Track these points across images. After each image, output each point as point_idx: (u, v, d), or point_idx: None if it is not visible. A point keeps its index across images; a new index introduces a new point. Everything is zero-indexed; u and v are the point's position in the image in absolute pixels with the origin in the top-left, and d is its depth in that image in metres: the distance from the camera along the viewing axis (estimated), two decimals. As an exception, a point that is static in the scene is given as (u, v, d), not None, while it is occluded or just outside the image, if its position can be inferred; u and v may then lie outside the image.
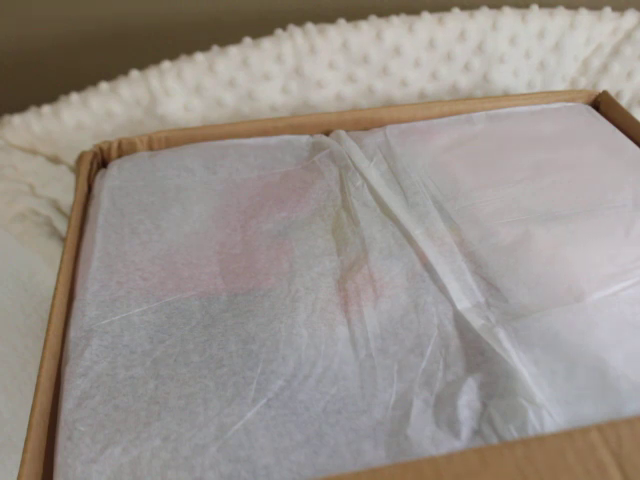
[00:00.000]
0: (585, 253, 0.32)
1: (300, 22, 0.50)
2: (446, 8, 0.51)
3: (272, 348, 0.29)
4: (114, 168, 0.42)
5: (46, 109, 0.49)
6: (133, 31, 0.57)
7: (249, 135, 0.45)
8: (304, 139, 0.44)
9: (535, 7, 0.51)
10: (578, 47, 0.52)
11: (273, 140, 0.44)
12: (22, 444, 0.25)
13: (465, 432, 0.25)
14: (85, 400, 0.27)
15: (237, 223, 0.37)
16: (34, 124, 0.49)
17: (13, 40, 0.57)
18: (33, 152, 0.51)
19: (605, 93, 0.47)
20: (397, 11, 0.51)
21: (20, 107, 0.50)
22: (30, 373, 0.39)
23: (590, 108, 0.46)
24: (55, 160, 0.52)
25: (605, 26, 0.51)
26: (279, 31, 0.50)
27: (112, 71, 0.51)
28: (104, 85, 0.49)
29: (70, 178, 0.51)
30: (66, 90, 0.50)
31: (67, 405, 0.27)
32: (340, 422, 0.26)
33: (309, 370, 0.28)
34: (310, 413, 0.26)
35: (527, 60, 0.53)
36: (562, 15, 0.51)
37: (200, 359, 0.29)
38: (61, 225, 0.49)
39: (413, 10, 0.51)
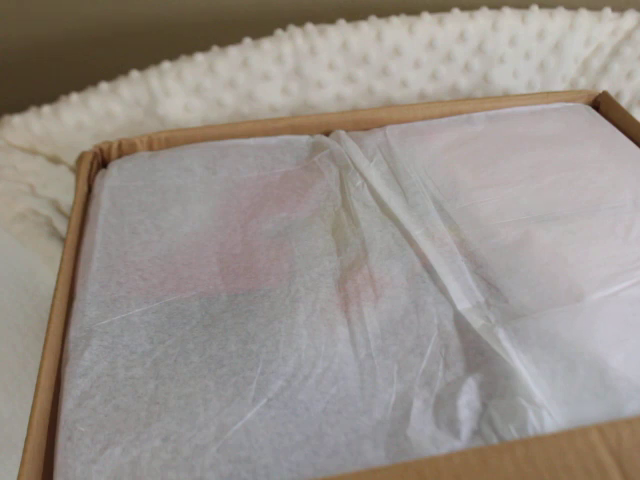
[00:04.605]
0: (585, 253, 0.32)
1: (300, 22, 0.50)
2: (446, 8, 0.51)
3: (272, 348, 0.29)
4: (114, 168, 0.42)
5: (46, 109, 0.49)
6: (133, 31, 0.57)
7: (249, 135, 0.45)
8: (304, 139, 0.44)
9: (535, 8, 0.51)
10: (578, 48, 0.52)
11: (273, 140, 0.44)
12: (22, 444, 0.25)
13: (465, 432, 0.25)
14: (85, 400, 0.27)
15: (237, 223, 0.37)
16: (34, 124, 0.49)
17: (13, 40, 0.57)
18: (33, 152, 0.51)
19: (605, 93, 0.47)
20: (397, 11, 0.51)
21: (20, 107, 0.50)
22: (30, 373, 0.39)
23: (590, 108, 0.46)
24: (55, 160, 0.52)
25: (605, 27, 0.51)
26: (279, 31, 0.50)
27: (112, 71, 0.51)
28: (104, 85, 0.49)
29: (70, 178, 0.51)
30: (66, 90, 0.50)
31: (67, 405, 0.27)
32: (340, 422, 0.26)
33: (309, 370, 0.28)
34: (310, 413, 0.26)
35: (527, 61, 0.53)
36: (562, 16, 0.51)
37: (200, 359, 0.29)
38: (61, 225, 0.49)
39: (413, 10, 0.51)
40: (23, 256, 0.46)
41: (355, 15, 0.51)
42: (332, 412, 0.26)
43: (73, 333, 0.31)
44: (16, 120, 0.49)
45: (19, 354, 0.40)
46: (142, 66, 0.50)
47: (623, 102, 0.55)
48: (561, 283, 0.31)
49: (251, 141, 0.44)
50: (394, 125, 0.45)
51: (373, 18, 0.50)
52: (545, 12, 0.51)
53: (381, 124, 0.46)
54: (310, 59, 0.50)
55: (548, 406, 0.25)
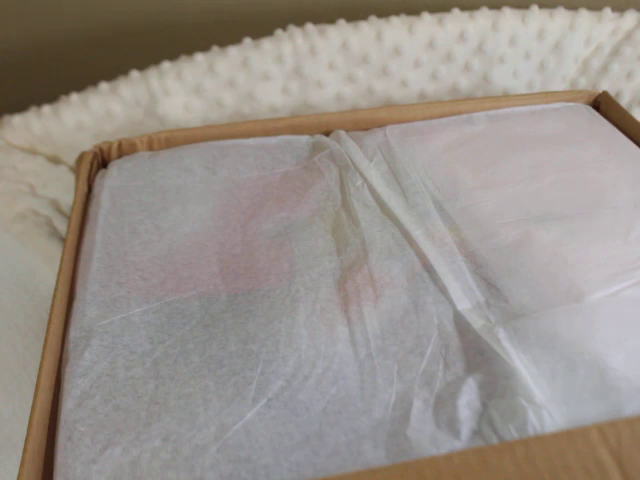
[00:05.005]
0: (585, 253, 0.32)
1: (300, 22, 0.50)
2: (446, 8, 0.51)
3: (272, 348, 0.29)
4: (114, 168, 0.42)
5: (46, 109, 0.49)
6: (133, 31, 0.57)
7: (249, 135, 0.45)
8: (304, 139, 0.44)
9: (535, 8, 0.51)
10: (578, 48, 0.52)
11: (273, 140, 0.44)
12: (22, 444, 0.25)
13: (465, 432, 0.25)
14: (85, 400, 0.27)
15: (237, 223, 0.37)
16: (34, 124, 0.49)
17: (13, 40, 0.57)
18: (33, 152, 0.51)
19: (605, 93, 0.47)
20: (397, 11, 0.51)
21: (20, 107, 0.50)
22: (30, 373, 0.39)
23: (590, 108, 0.46)
24: (55, 160, 0.52)
25: (605, 27, 0.51)
26: (279, 31, 0.50)
27: (112, 71, 0.51)
28: (104, 85, 0.49)
29: (70, 178, 0.51)
30: (66, 90, 0.50)
31: (67, 405, 0.27)
32: (340, 422, 0.26)
33: (309, 370, 0.28)
34: (310, 413, 0.26)
35: (527, 61, 0.53)
36: (562, 16, 0.51)
37: (200, 359, 0.29)
38: (61, 225, 0.49)
39: (413, 10, 0.51)
40: (23, 256, 0.46)
41: (355, 15, 0.51)
42: (332, 412, 0.26)
43: (73, 333, 0.31)
44: (16, 120, 0.49)
45: (19, 354, 0.40)
46: (142, 66, 0.50)
47: (623, 102, 0.55)
48: (561, 283, 0.31)
49: (251, 141, 0.44)
50: (394, 125, 0.45)
51: (373, 18, 0.50)
52: (545, 12, 0.51)
53: (381, 124, 0.46)
54: (310, 59, 0.50)
55: (548, 406, 0.25)
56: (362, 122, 0.46)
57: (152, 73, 0.49)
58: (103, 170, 0.43)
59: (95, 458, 0.25)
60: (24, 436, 0.26)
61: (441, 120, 0.45)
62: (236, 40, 0.50)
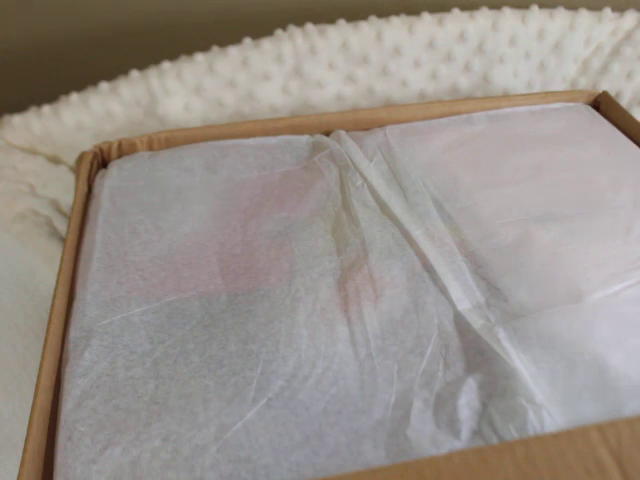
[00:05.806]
0: (585, 253, 0.32)
1: (300, 22, 0.50)
2: (446, 8, 0.51)
3: (272, 348, 0.29)
4: (114, 168, 0.42)
5: (46, 109, 0.49)
6: (133, 31, 0.57)
7: (249, 135, 0.45)
8: (304, 139, 0.44)
9: (535, 8, 0.51)
10: (578, 48, 0.52)
11: (273, 140, 0.44)
12: (22, 444, 0.25)
13: (465, 432, 0.25)
14: (85, 400, 0.27)
15: (237, 223, 0.37)
16: (34, 124, 0.49)
17: (13, 40, 0.57)
18: (33, 152, 0.51)
19: (605, 93, 0.47)
20: (397, 11, 0.51)
21: (20, 107, 0.50)
22: (30, 373, 0.39)
23: (590, 108, 0.47)
24: (55, 160, 0.52)
25: (605, 27, 0.51)
26: (279, 31, 0.50)
27: (112, 71, 0.51)
28: (104, 85, 0.49)
29: (70, 178, 0.51)
30: (66, 90, 0.50)
31: (67, 405, 0.27)
32: (340, 422, 0.26)
33: (309, 370, 0.28)
34: (310, 413, 0.26)
35: (527, 60, 0.53)
36: (562, 16, 0.51)
37: (200, 359, 0.29)
38: (61, 225, 0.49)
39: (413, 10, 0.51)
40: (23, 256, 0.46)
41: (355, 15, 0.51)
42: (332, 412, 0.26)
43: (73, 333, 0.31)
44: (16, 120, 0.49)
45: (19, 354, 0.40)
46: (142, 66, 0.50)
47: (623, 102, 0.55)
48: (561, 283, 0.31)
49: (251, 141, 0.44)
50: (394, 125, 0.45)
51: (373, 18, 0.50)
52: (545, 12, 0.51)
53: (381, 124, 0.46)
54: (310, 59, 0.50)
55: (548, 406, 0.25)
56: (362, 122, 0.46)
57: (152, 73, 0.49)
58: (103, 170, 0.43)
59: (95, 458, 0.25)
60: (24, 436, 0.26)
61: (441, 120, 0.45)
62: (236, 40, 0.50)
